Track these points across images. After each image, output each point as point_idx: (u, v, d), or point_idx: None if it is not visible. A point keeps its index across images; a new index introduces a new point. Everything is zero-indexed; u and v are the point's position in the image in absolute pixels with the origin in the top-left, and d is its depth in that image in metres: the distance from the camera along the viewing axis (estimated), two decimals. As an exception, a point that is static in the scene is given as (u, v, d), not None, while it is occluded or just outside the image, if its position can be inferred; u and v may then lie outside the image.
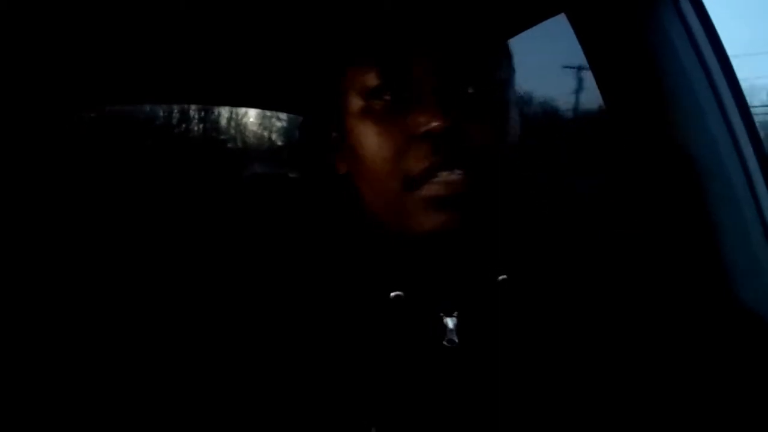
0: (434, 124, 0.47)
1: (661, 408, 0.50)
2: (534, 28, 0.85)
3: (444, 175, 0.48)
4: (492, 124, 0.51)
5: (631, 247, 0.59)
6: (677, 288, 0.56)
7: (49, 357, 0.99)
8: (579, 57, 0.85)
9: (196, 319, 0.55)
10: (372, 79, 0.51)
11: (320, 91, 0.59)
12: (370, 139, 0.51)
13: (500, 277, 0.53)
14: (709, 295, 0.57)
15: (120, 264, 1.15)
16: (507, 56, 0.57)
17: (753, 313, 0.56)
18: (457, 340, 0.51)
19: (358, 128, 0.52)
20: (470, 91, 0.51)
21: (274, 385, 0.50)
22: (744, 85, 0.74)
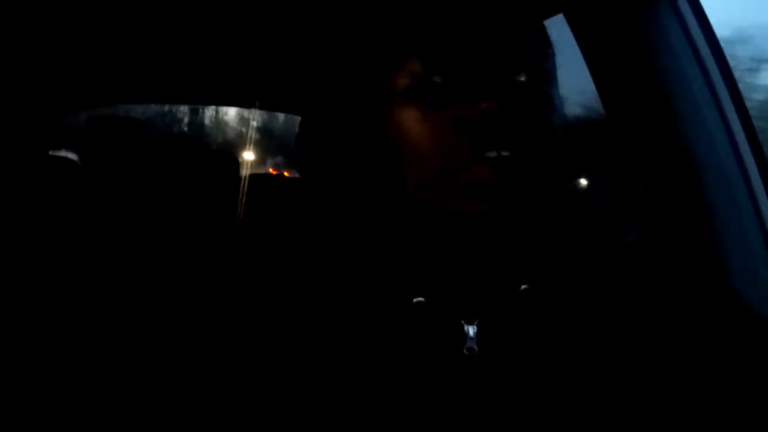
0: (482, 106, 0.47)
1: (672, 415, 0.49)
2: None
3: (484, 161, 0.48)
4: (534, 117, 0.51)
5: (641, 254, 0.59)
6: (684, 294, 0.55)
7: (47, 358, 0.99)
8: (576, 57, 0.85)
9: (209, 326, 0.54)
10: (420, 64, 0.50)
11: (350, 78, 0.58)
12: (411, 124, 0.50)
13: (522, 287, 0.52)
14: (710, 297, 0.57)
15: (122, 264, 1.15)
16: (552, 51, 0.56)
17: (753, 313, 0.56)
18: (476, 348, 0.50)
19: (397, 112, 0.51)
20: (521, 79, 0.50)
21: (291, 391, 0.49)
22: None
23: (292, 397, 0.49)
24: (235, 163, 1.66)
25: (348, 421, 0.47)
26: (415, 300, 0.51)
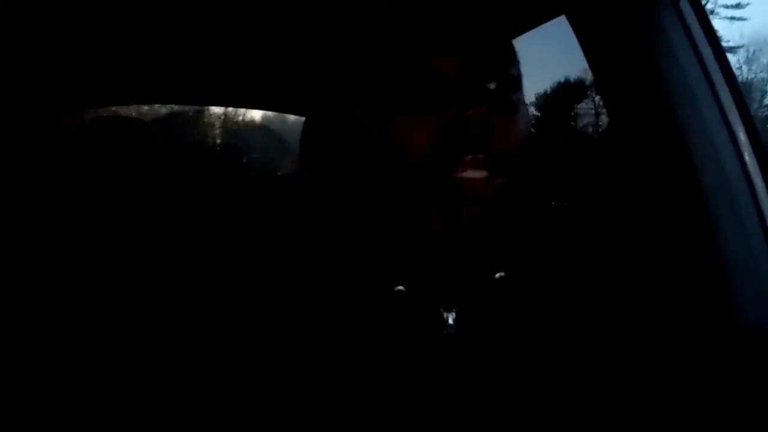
0: (464, 114, 0.48)
1: (651, 406, 0.50)
2: (534, 30, 0.86)
3: (467, 163, 0.49)
4: (508, 119, 0.52)
5: (627, 245, 0.60)
6: (672, 284, 0.56)
7: (48, 359, 0.99)
8: (579, 58, 0.86)
9: (198, 317, 0.55)
10: (418, 65, 0.51)
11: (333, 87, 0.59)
12: (408, 125, 0.51)
13: (498, 275, 0.54)
14: (705, 297, 0.57)
15: (122, 263, 1.15)
16: (516, 55, 0.57)
17: (751, 322, 0.56)
18: (455, 335, 0.51)
19: (395, 113, 0.52)
20: (492, 87, 0.51)
21: (275, 380, 0.50)
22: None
23: (283, 385, 0.49)
24: (241, 164, 1.66)
25: (334, 408, 0.48)
26: (395, 289, 0.52)
